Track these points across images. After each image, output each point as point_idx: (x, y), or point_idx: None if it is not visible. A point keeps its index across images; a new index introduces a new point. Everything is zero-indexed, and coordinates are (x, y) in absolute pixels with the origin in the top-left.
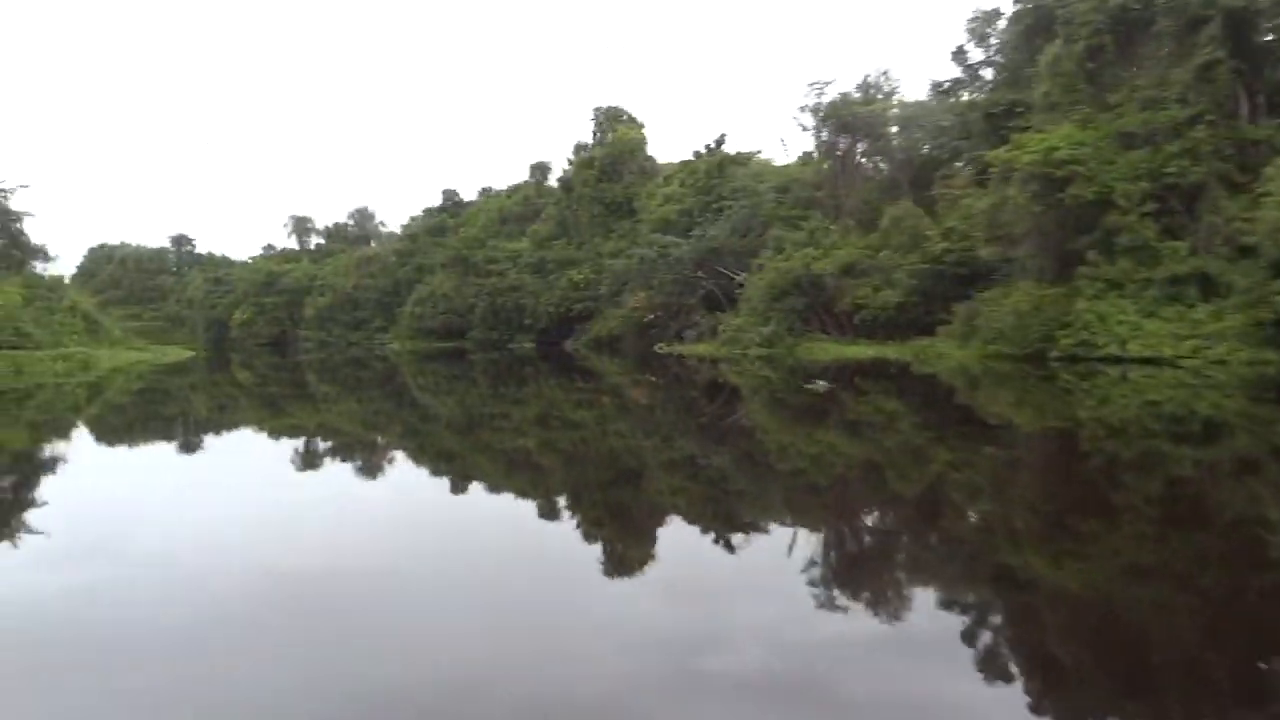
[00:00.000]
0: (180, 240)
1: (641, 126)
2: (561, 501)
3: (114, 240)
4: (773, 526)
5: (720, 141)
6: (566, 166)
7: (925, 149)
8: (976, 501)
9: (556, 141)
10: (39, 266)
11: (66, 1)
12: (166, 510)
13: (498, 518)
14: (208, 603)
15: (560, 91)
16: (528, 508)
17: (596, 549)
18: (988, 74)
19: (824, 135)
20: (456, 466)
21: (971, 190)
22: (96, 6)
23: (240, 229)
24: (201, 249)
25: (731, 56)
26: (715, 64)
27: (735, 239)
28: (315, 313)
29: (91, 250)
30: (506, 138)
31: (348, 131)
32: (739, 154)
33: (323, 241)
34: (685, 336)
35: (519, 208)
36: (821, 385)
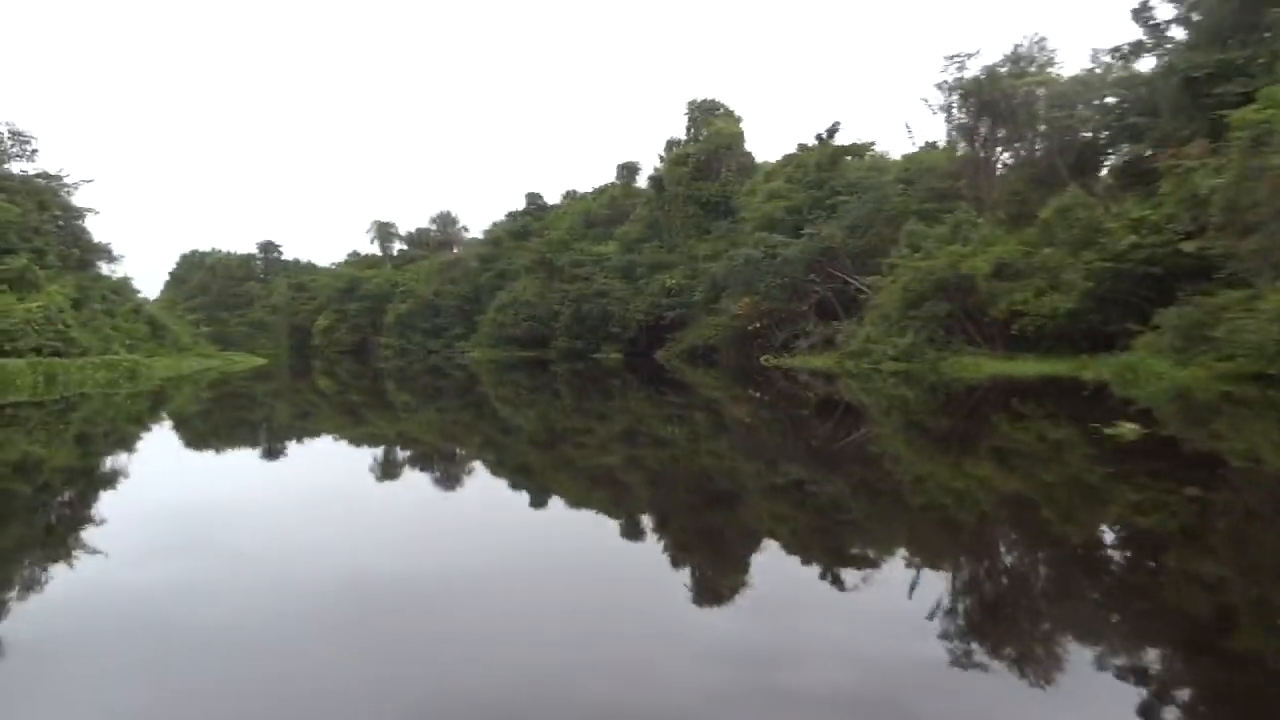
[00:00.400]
0: (267, 247)
1: (739, 120)
2: (646, 522)
3: (205, 247)
4: (894, 564)
5: (832, 131)
6: (657, 165)
7: (1088, 130)
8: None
9: (644, 141)
10: (104, 268)
11: (163, 17)
12: (247, 514)
13: (577, 535)
14: (287, 604)
15: (648, 89)
16: (609, 526)
17: (682, 573)
18: (1178, 34)
19: (963, 116)
20: (535, 481)
21: (1193, 164)
22: (188, 21)
23: (326, 236)
24: (288, 256)
25: (832, 43)
26: (814, 52)
27: (854, 238)
28: (396, 319)
29: (183, 257)
30: (591, 139)
31: (432, 136)
32: (854, 144)
33: (405, 247)
34: (795, 347)
35: (605, 210)
36: (1130, 430)
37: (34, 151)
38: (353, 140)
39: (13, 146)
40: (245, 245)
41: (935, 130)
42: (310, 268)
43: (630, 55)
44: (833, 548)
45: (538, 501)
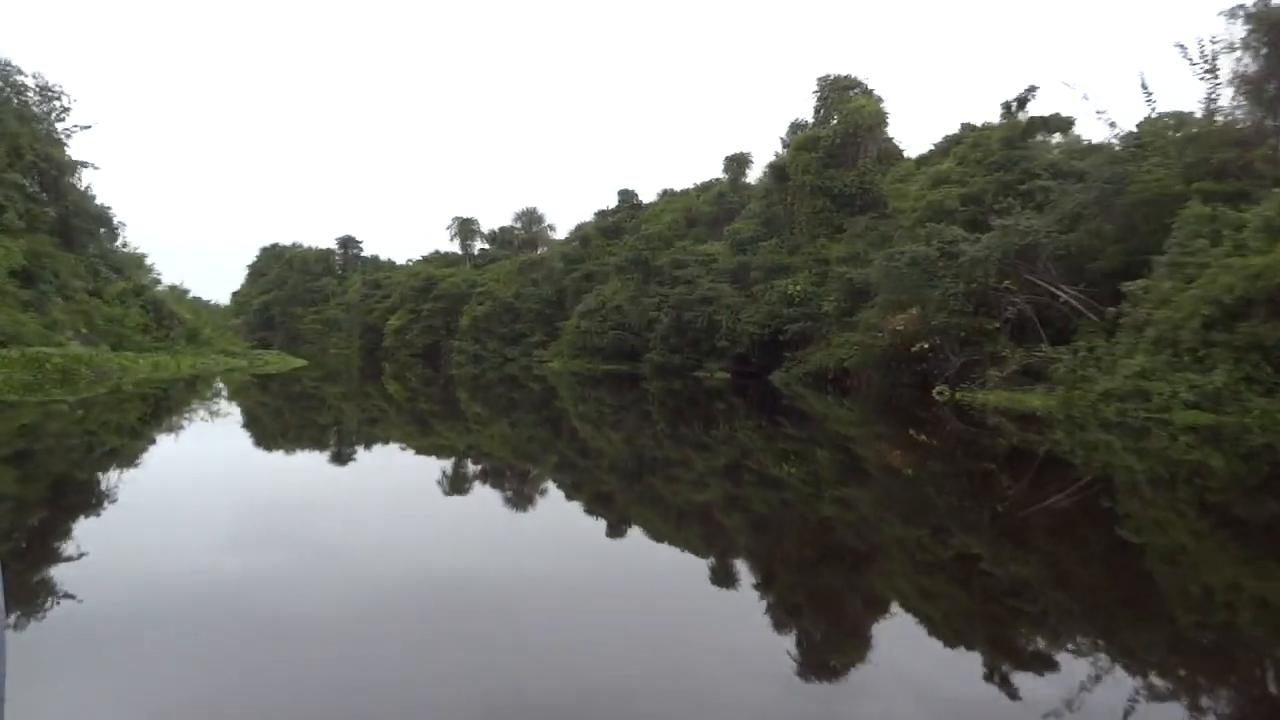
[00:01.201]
0: (347, 242)
1: (880, 101)
2: (742, 572)
3: (287, 240)
4: (1106, 679)
5: (1023, 100)
6: (777, 152)
7: None
8: None
9: (753, 132)
10: (118, 241)
11: (249, 15)
12: (310, 522)
13: (658, 576)
14: (344, 611)
15: (755, 78)
16: (696, 570)
17: (784, 640)
18: None
19: (1252, 62)
20: (615, 512)
21: None
22: (273, 18)
23: (409, 233)
24: (369, 253)
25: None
26: (957, 23)
27: (1061, 232)
28: (471, 323)
29: (263, 249)
30: (689, 133)
31: (520, 129)
32: (1054, 116)
33: (487, 246)
34: (976, 378)
35: (709, 208)
36: None
37: (64, 110)
38: (439, 134)
39: (41, 103)
40: (327, 240)
41: (1182, 92)
42: (389, 265)
43: (731, 45)
44: (1009, 643)
45: (615, 533)
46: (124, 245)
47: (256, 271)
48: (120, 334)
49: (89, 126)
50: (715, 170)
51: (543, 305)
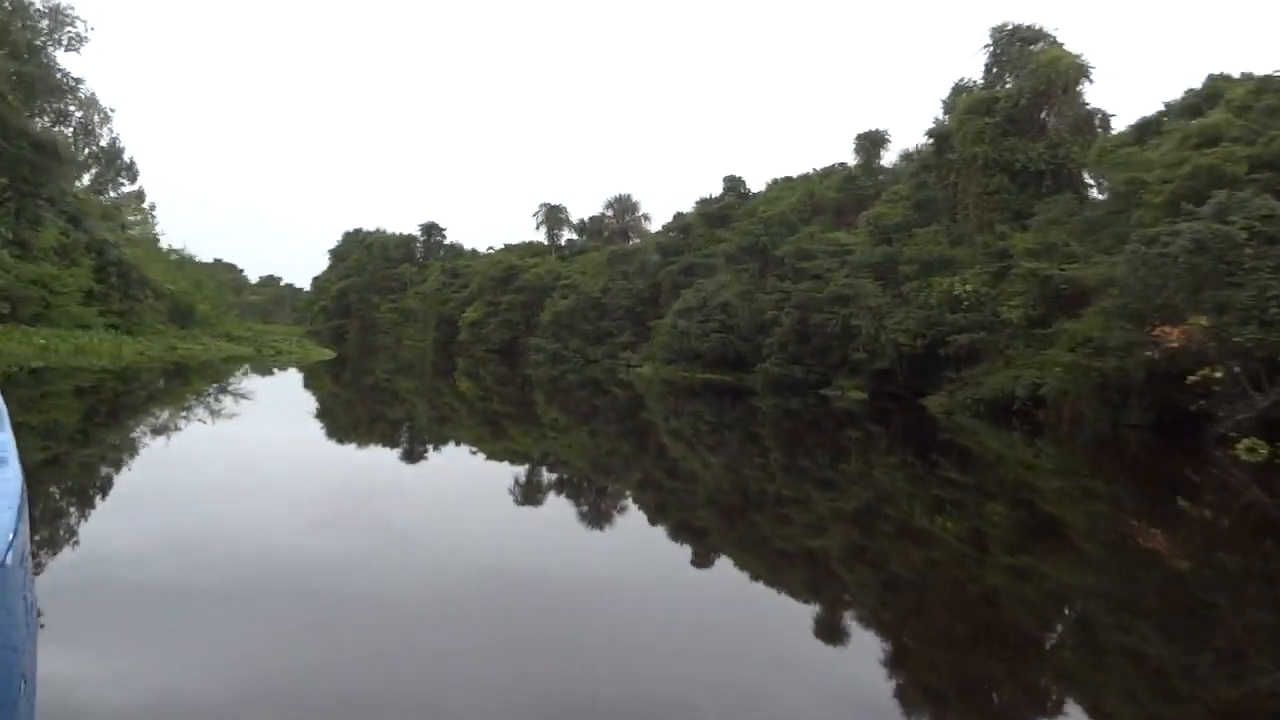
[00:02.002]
0: (430, 229)
1: (1076, 56)
2: (860, 635)
3: (371, 226)
4: None
5: None
6: (916, 140)
7: None
8: None
9: (885, 110)
10: (125, 187)
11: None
12: (362, 522)
13: (751, 625)
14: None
15: (874, 55)
16: (799, 627)
17: None
18: None
19: None
20: (704, 543)
21: None
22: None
23: (496, 221)
24: (455, 241)
25: None
26: None
27: None
28: (553, 318)
29: (346, 234)
30: (801, 115)
31: (613, 114)
32: None
33: (575, 237)
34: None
35: (836, 194)
36: None
37: (77, 37)
38: (531, 118)
39: (51, 29)
40: (412, 227)
41: None
42: (473, 254)
43: (845, 19)
44: None
45: (701, 563)
46: (135, 192)
47: (338, 256)
48: (49, 300)
49: (82, 40)
50: (834, 155)
51: (634, 301)
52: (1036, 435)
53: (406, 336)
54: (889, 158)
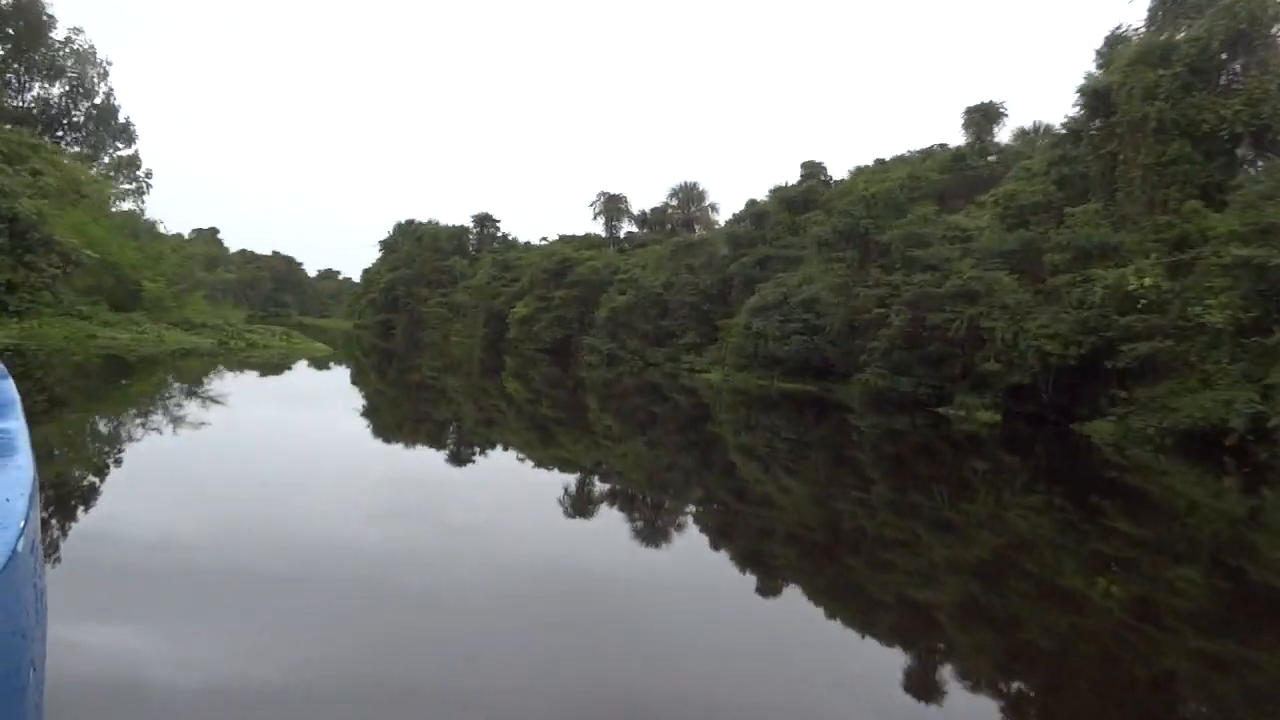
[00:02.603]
0: (483, 220)
1: None
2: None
3: (423, 217)
4: None
5: None
6: (1027, 118)
7: None
8: None
9: (990, 84)
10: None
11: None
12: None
13: (842, 687)
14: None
15: (966, 31)
16: (895, 697)
17: None
18: None
19: None
20: (785, 583)
21: None
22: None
23: (553, 214)
24: (510, 234)
25: None
26: None
27: None
28: (609, 315)
29: (397, 225)
30: (885, 96)
31: (678, 100)
32: None
33: (634, 229)
34: None
35: (940, 175)
36: None
37: None
38: (590, 106)
39: None
40: (466, 218)
41: None
42: (523, 246)
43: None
44: None
45: (767, 593)
46: (129, 156)
47: (388, 248)
48: None
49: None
50: (916, 140)
51: (700, 298)
52: (1258, 477)
53: (454, 333)
54: (1005, 133)
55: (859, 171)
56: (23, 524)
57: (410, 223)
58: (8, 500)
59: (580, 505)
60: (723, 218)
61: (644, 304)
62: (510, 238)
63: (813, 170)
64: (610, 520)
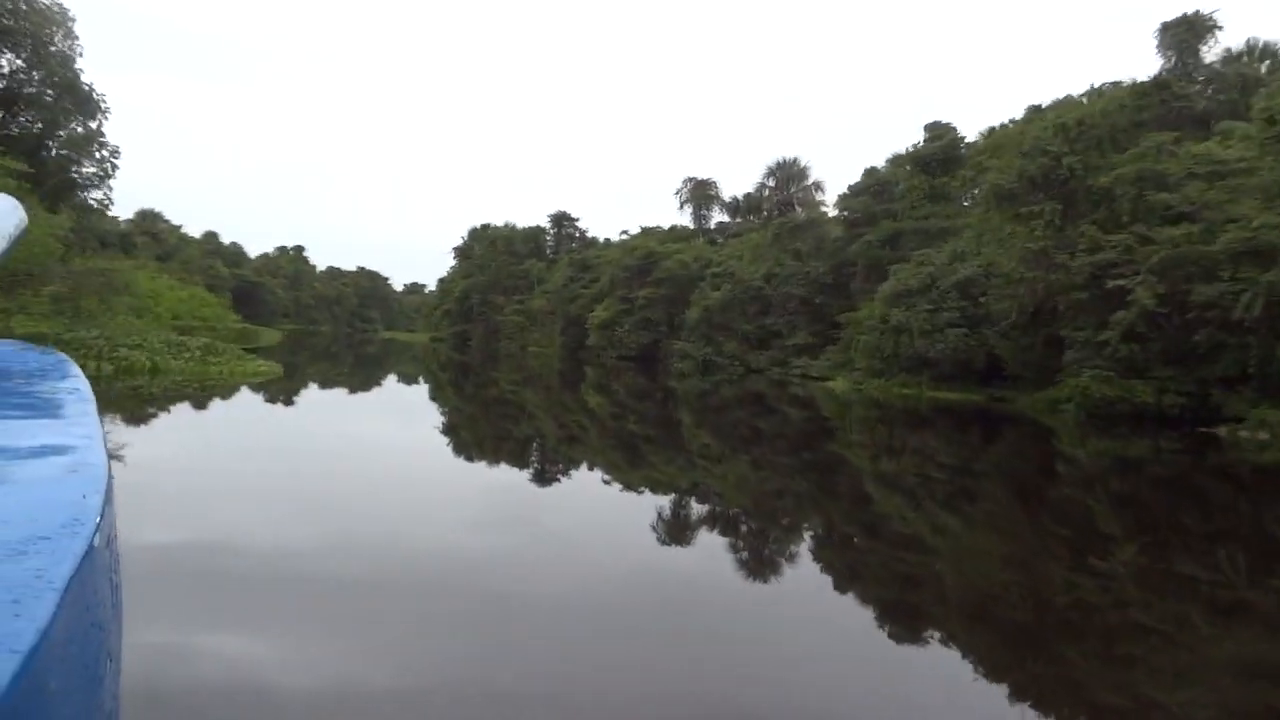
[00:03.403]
0: (560, 219)
1: None
2: None
3: (499, 220)
4: None
5: None
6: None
7: None
8: None
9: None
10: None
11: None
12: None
13: None
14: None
15: None
16: None
17: None
18: None
19: None
20: (961, 670)
21: None
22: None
23: (638, 212)
24: (591, 234)
25: None
26: None
27: None
28: (701, 315)
29: (472, 230)
30: (1017, 50)
31: (770, 79)
32: None
33: (726, 219)
34: None
35: (1127, 111)
36: None
37: None
38: (676, 94)
39: None
40: (542, 219)
41: None
42: (602, 245)
43: None
44: None
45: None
46: (90, 131)
47: (462, 254)
48: None
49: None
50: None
51: (810, 290)
52: None
53: (532, 342)
54: (1213, 51)
55: (1005, 128)
56: (99, 519)
57: (485, 227)
58: (84, 497)
59: (674, 531)
60: (829, 199)
61: (742, 300)
62: (589, 236)
63: (940, 132)
64: (707, 548)
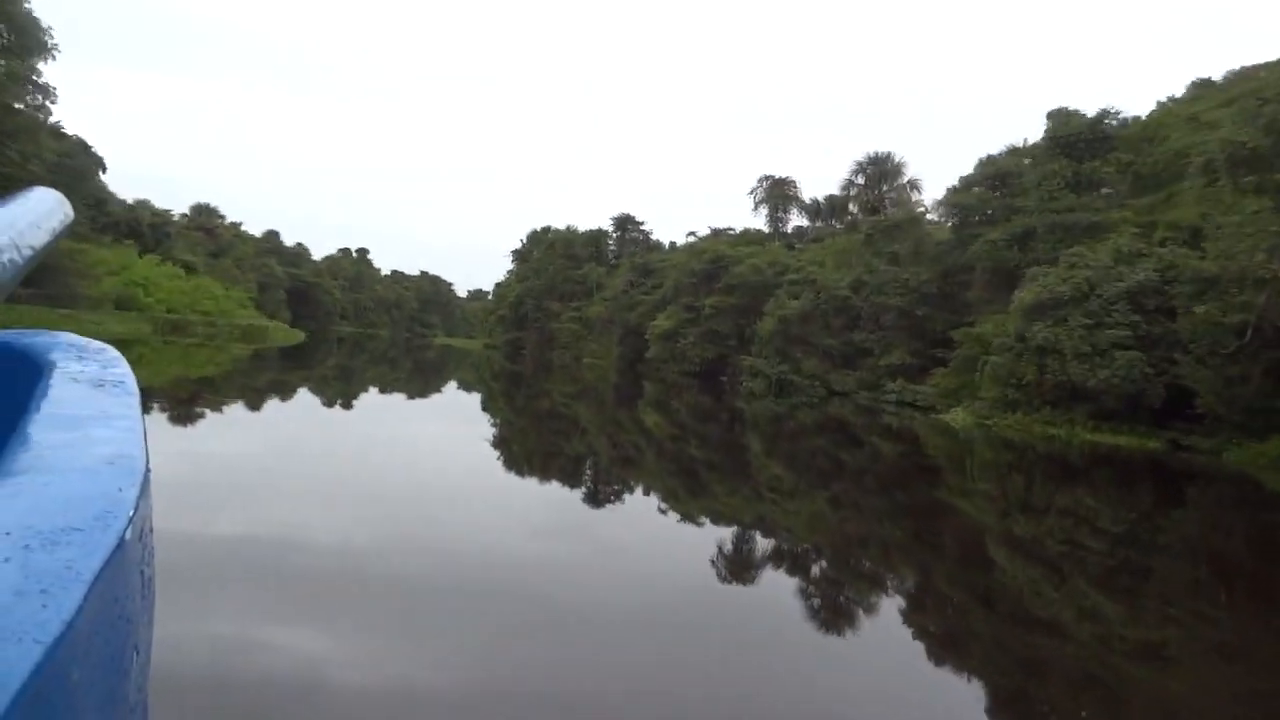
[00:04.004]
0: (624, 222)
1: None
2: None
3: (561, 224)
4: None
5: None
6: None
7: None
8: None
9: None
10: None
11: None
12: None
13: None
14: None
15: None
16: None
17: None
18: None
19: None
20: None
21: None
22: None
23: (709, 217)
24: (658, 238)
25: None
26: None
27: None
28: (777, 327)
29: (531, 234)
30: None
31: (852, 72)
32: None
33: (805, 224)
34: None
35: None
36: None
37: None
38: (756, 87)
39: None
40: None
41: None
42: (671, 248)
43: None
44: None
45: None
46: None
47: (520, 258)
48: None
49: None
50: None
51: (910, 300)
52: None
53: (587, 352)
54: None
55: (1168, 105)
56: (132, 512)
57: (546, 230)
58: (120, 490)
59: (734, 568)
60: (927, 199)
61: (825, 311)
62: (654, 239)
63: (1066, 118)
64: (772, 590)
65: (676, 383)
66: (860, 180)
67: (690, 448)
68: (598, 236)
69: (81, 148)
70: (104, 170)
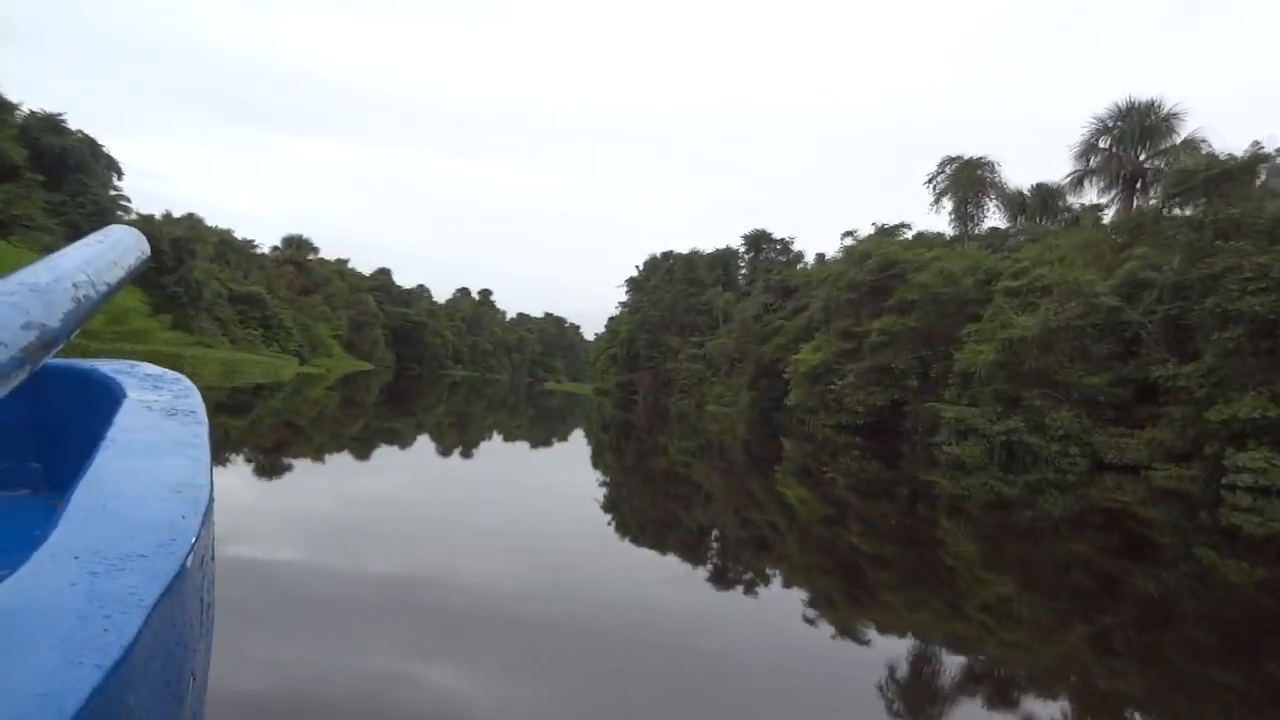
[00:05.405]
0: (757, 240)
1: None
2: None
3: (684, 248)
4: None
5: None
6: None
7: None
8: None
9: None
10: None
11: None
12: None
13: None
14: None
15: None
16: None
17: None
18: None
19: None
20: None
21: None
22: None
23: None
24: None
25: None
26: None
27: None
28: (996, 359)
29: (649, 260)
30: None
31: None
32: None
33: (1000, 225)
34: None
35: None
36: None
37: None
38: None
39: None
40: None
41: None
42: (819, 262)
43: None
44: None
45: None
46: None
47: (635, 287)
48: None
49: None
50: None
51: (1273, 303)
52: None
53: (711, 397)
54: None
55: None
56: (194, 541)
57: (667, 255)
58: (183, 518)
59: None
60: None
61: (1074, 332)
62: (791, 249)
63: None
64: None
65: (830, 440)
66: (1108, 146)
67: (851, 534)
68: (726, 256)
69: (88, 146)
70: (120, 175)
